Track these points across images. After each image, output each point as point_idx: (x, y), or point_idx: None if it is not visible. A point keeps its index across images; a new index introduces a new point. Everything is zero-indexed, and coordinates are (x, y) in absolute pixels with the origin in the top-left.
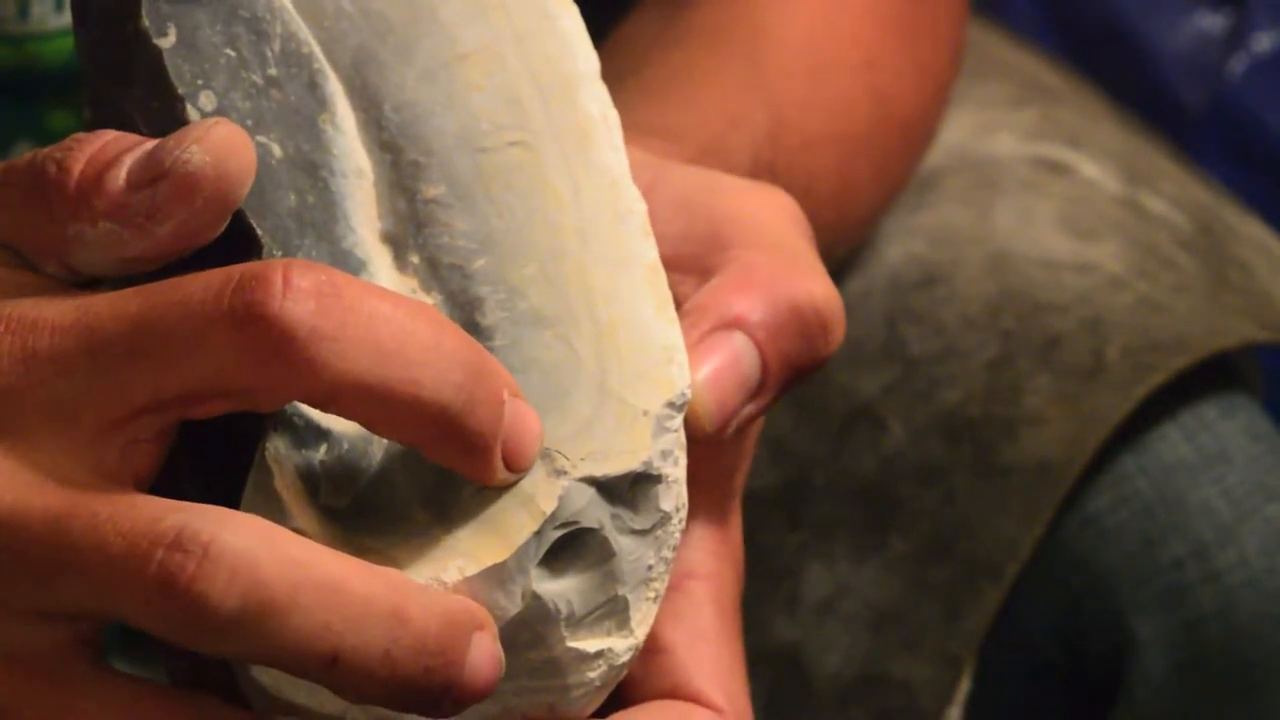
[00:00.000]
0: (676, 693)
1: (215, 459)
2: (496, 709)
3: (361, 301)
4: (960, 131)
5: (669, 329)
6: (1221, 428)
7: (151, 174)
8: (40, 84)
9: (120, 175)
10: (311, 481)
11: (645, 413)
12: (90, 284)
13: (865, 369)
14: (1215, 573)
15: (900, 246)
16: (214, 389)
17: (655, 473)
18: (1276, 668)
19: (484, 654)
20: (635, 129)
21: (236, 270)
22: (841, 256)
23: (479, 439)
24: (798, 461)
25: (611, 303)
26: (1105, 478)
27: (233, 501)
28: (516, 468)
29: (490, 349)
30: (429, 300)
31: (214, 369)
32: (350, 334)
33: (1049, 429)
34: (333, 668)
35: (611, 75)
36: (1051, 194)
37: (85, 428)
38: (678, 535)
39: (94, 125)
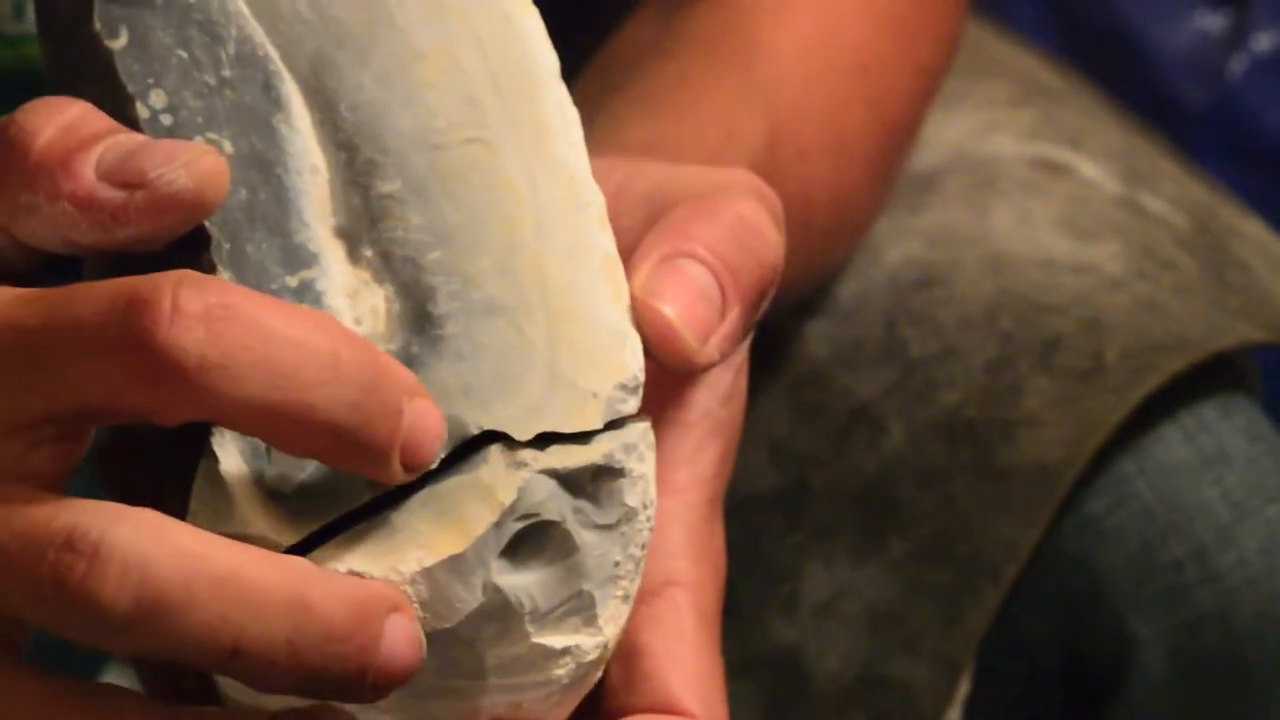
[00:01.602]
0: (654, 700)
1: (183, 453)
2: (465, 707)
3: (255, 322)
4: (959, 131)
5: (623, 317)
6: (1221, 429)
7: (128, 179)
8: (37, 84)
9: (91, 163)
10: (257, 466)
11: (595, 395)
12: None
13: (864, 370)
14: (1215, 574)
15: (899, 247)
16: (108, 407)
17: (617, 466)
18: (1276, 669)
19: (401, 636)
20: (632, 146)
21: (126, 290)
22: (838, 262)
23: (374, 449)
24: (797, 463)
25: (566, 292)
26: (1104, 479)
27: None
28: (415, 468)
29: (440, 337)
30: (380, 291)
31: (105, 391)
32: (242, 358)
33: (1048, 430)
34: (235, 659)
35: (606, 86)
36: (1050, 194)
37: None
38: (647, 533)
39: None
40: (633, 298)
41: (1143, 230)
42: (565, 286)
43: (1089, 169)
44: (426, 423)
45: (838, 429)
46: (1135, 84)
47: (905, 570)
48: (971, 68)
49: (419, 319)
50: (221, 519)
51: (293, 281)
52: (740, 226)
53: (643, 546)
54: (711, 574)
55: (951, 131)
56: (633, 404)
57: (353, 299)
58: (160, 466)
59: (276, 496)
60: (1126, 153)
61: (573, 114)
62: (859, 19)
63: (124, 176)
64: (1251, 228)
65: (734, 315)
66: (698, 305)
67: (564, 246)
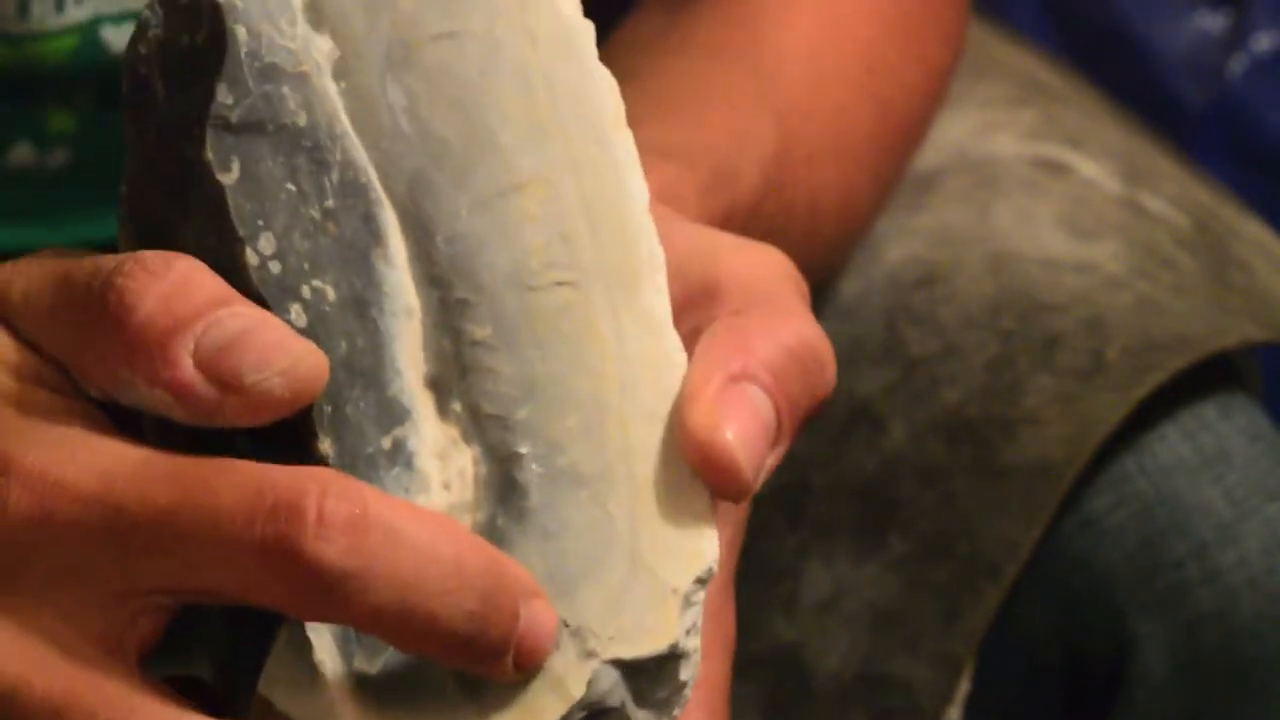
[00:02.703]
0: None
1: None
2: None
3: (390, 531)
4: (960, 131)
5: (702, 495)
6: (1221, 428)
7: (223, 379)
8: (40, 84)
9: (188, 349)
10: (346, 647)
11: (675, 590)
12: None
13: (865, 369)
14: (1215, 573)
15: (900, 246)
16: (236, 596)
17: (680, 652)
18: (1277, 668)
19: None
20: (648, 149)
21: (270, 489)
22: (839, 263)
23: (489, 654)
24: (797, 462)
25: (648, 460)
26: (1105, 478)
27: (257, 642)
28: (526, 670)
29: (525, 510)
30: (469, 452)
31: (237, 583)
32: (376, 570)
33: (1048, 429)
34: None
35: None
36: (1051, 194)
37: (95, 596)
38: (689, 693)
39: (132, 229)
40: (698, 421)
41: (1143, 230)
42: (647, 453)
43: (1089, 169)
44: (541, 625)
45: (838, 428)
46: (1135, 84)
47: (906, 569)
48: (972, 68)
49: (505, 487)
50: (303, 693)
51: (386, 443)
52: (805, 353)
53: (684, 705)
54: (722, 658)
55: (952, 131)
56: (703, 594)
57: (442, 460)
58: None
59: (362, 680)
60: (1127, 153)
61: (660, 255)
62: (865, 19)
63: (219, 375)
64: (1251, 228)
65: (781, 448)
66: (758, 438)
67: (646, 408)
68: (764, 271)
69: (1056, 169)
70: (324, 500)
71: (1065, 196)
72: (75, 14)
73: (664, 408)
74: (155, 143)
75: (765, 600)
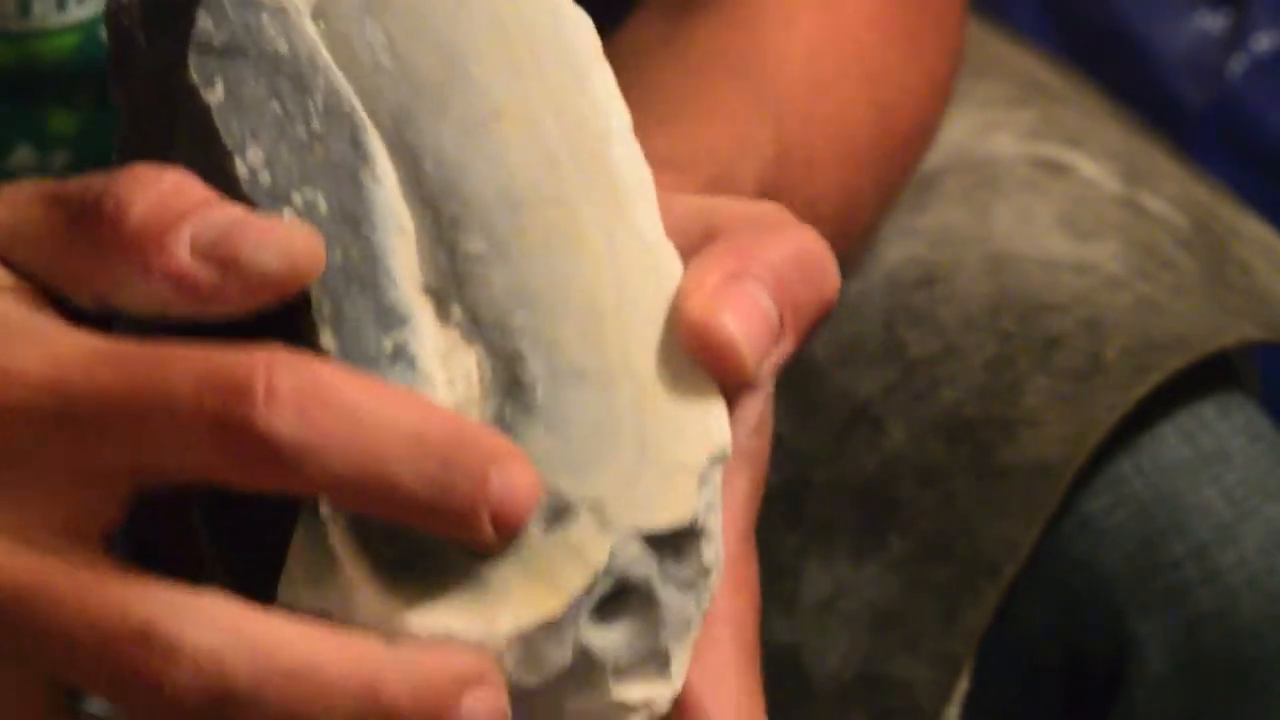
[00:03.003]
0: None
1: (235, 504)
2: None
3: (343, 402)
4: (960, 131)
5: (707, 384)
6: (1220, 428)
7: (221, 258)
8: (41, 83)
9: (185, 239)
10: (363, 532)
11: (687, 467)
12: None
13: (864, 369)
14: (1215, 573)
15: (899, 247)
16: (190, 474)
17: (700, 527)
18: (1276, 668)
19: (481, 710)
20: (648, 159)
21: (218, 368)
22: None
23: (459, 517)
24: (797, 461)
25: (650, 359)
26: (1104, 479)
27: (259, 542)
28: (506, 532)
29: (531, 404)
30: (471, 353)
31: (191, 461)
32: (330, 440)
33: (1048, 429)
34: None
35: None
36: (1051, 194)
37: (52, 483)
38: (716, 584)
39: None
40: (695, 308)
41: (1143, 230)
42: (647, 353)
43: (1089, 169)
44: (517, 487)
45: (838, 428)
46: (1135, 84)
47: (905, 569)
48: (971, 68)
49: (510, 385)
50: (324, 581)
51: (388, 344)
52: (805, 257)
53: (711, 598)
54: (749, 605)
55: (952, 131)
56: (719, 474)
57: (445, 361)
58: (193, 516)
59: (381, 562)
60: (1127, 153)
61: (648, 177)
62: (866, 24)
63: (218, 256)
64: (1252, 227)
65: (786, 345)
66: (759, 326)
67: (645, 311)
68: (762, 210)
69: (1056, 169)
70: (272, 374)
71: (1065, 196)
72: (77, 12)
73: (661, 311)
74: (141, 90)
75: (765, 599)
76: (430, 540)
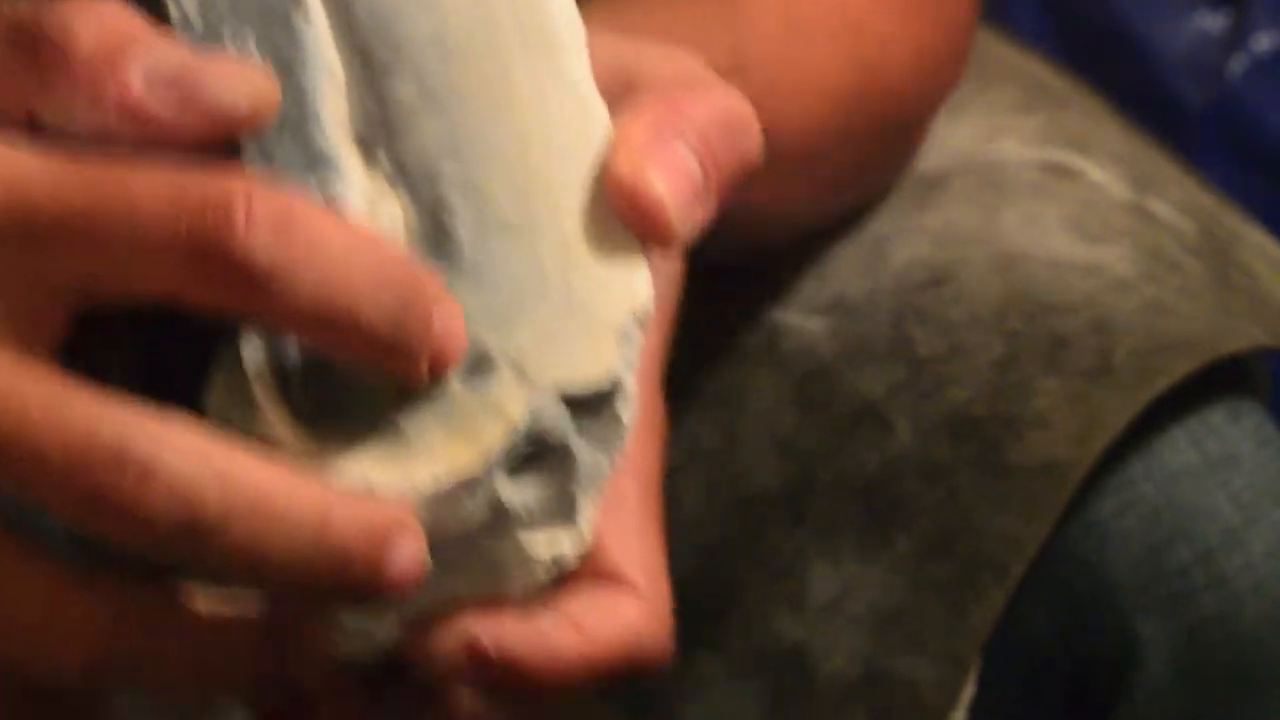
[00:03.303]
0: (596, 568)
1: (155, 337)
2: (447, 603)
3: (312, 231)
4: (966, 136)
5: (631, 242)
6: (1228, 432)
7: (182, 93)
8: None
9: (139, 70)
10: (283, 379)
11: (610, 325)
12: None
13: (871, 368)
14: (1221, 578)
15: (907, 247)
16: (153, 294)
17: (618, 386)
18: (1279, 674)
19: (407, 555)
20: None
21: (194, 189)
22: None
23: (408, 354)
24: (803, 460)
25: (576, 214)
26: (1111, 482)
27: (175, 382)
28: (439, 371)
29: (457, 255)
30: (395, 202)
31: (158, 283)
32: (303, 266)
33: (1055, 430)
34: (255, 573)
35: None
36: (1059, 197)
37: (9, 295)
38: (627, 438)
39: None
40: (623, 167)
41: (1151, 234)
42: (575, 208)
43: (1097, 173)
44: (452, 329)
45: (844, 426)
46: (1135, 84)
47: (910, 568)
48: (977, 74)
49: (436, 234)
50: (244, 418)
51: (316, 192)
52: (729, 116)
53: (623, 452)
54: (652, 442)
55: (958, 136)
56: (639, 332)
57: (372, 209)
58: (128, 341)
59: (296, 397)
60: (1133, 158)
61: (579, 25)
62: None
63: (178, 93)
64: (1255, 235)
65: (710, 205)
66: (685, 188)
67: (572, 163)
68: (684, 67)
69: (1064, 173)
70: (251, 199)
71: (1073, 200)
72: None
73: (588, 163)
74: None
75: (769, 598)
76: (349, 391)
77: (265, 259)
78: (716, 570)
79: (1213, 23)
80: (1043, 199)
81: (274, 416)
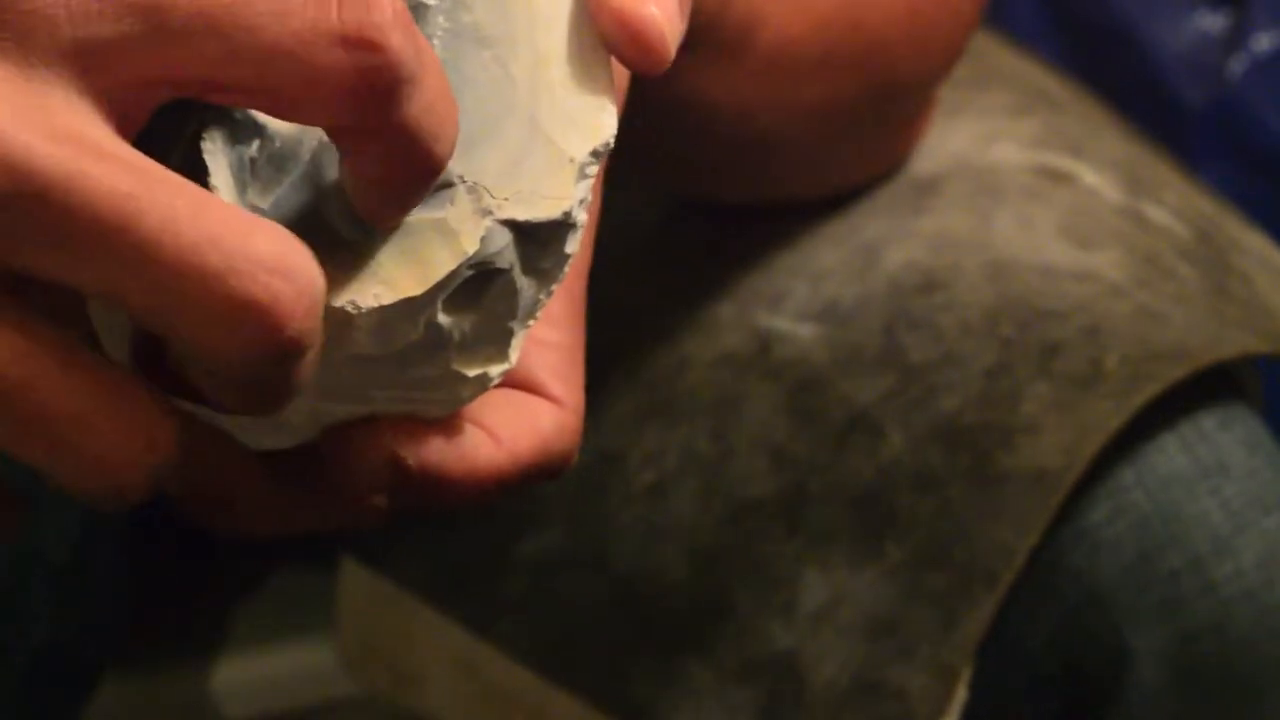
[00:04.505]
0: (517, 380)
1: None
2: (367, 411)
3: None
4: (962, 140)
5: (603, 74)
6: (1219, 439)
7: None
8: None
9: None
10: (240, 178)
11: (572, 160)
12: None
13: (863, 375)
14: (1212, 585)
15: (899, 251)
16: (274, 99)
17: (573, 221)
18: (1272, 680)
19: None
20: None
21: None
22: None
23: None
24: (795, 469)
25: (552, 32)
26: (1102, 489)
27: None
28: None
29: None
30: None
31: (295, 82)
32: (424, 79)
33: (1047, 437)
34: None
35: None
36: (1052, 202)
37: (112, 80)
38: (568, 270)
39: None
40: None
41: (1144, 239)
42: (551, 25)
43: (1091, 178)
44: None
45: (836, 434)
46: (1135, 84)
47: (902, 576)
48: (974, 77)
49: None
50: None
51: None
52: None
53: (561, 281)
54: (582, 253)
55: (953, 140)
56: (597, 168)
57: None
58: None
59: (254, 212)
60: (1128, 162)
61: None
62: None
63: None
64: (1254, 240)
65: (686, 14)
66: (674, 10)
67: None
68: None
69: (1058, 177)
70: None
71: (1066, 205)
72: None
73: None
74: None
75: (762, 606)
76: (307, 204)
77: (410, 63)
78: (708, 578)
79: (1213, 23)
80: (1036, 204)
81: None
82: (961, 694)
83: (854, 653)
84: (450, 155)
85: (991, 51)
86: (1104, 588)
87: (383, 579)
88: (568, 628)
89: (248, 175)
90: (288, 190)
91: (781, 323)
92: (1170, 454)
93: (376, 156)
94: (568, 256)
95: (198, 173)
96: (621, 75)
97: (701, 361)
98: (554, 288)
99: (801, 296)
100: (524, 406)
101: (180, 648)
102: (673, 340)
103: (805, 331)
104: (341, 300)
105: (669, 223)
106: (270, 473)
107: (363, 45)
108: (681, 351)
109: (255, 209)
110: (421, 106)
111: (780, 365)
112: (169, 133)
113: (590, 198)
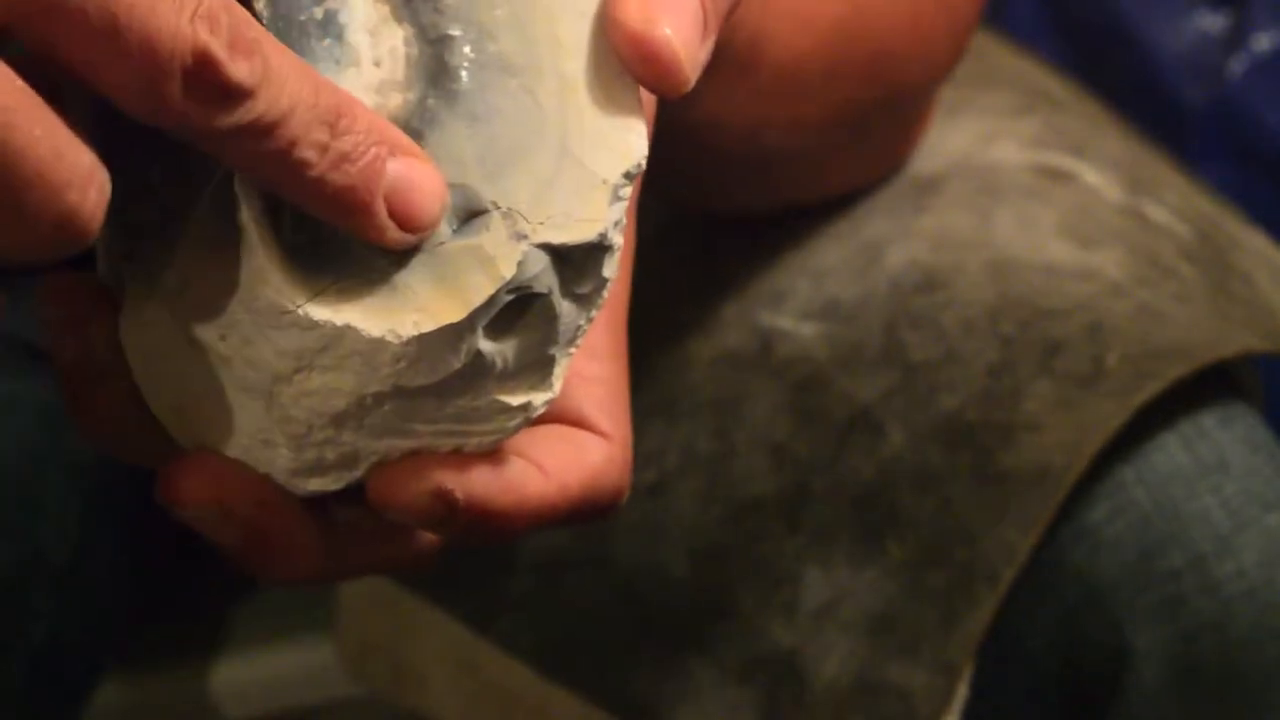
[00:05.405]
0: (562, 414)
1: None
2: (414, 445)
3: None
4: (963, 139)
5: (631, 95)
6: (1220, 437)
7: None
8: None
9: None
10: (277, 215)
11: (604, 181)
12: None
13: (865, 374)
14: (1212, 583)
15: (901, 250)
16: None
17: (608, 243)
18: (1273, 679)
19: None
20: None
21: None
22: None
23: (353, 201)
24: (797, 467)
25: (577, 58)
26: (1103, 487)
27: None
28: (410, 227)
29: (456, 93)
30: (400, 32)
31: (132, 65)
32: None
33: (1048, 435)
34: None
35: None
36: (1053, 201)
37: None
38: (607, 293)
39: None
40: (632, 16)
41: (1145, 238)
42: (576, 50)
43: (1092, 177)
44: (421, 181)
45: (838, 432)
46: (1135, 84)
47: (903, 574)
48: (975, 77)
49: (436, 69)
50: (235, 254)
51: (319, 12)
52: None
53: (600, 308)
54: (622, 280)
55: (954, 139)
56: (629, 189)
57: (373, 36)
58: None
59: (293, 249)
60: (1129, 162)
61: None
62: None
63: None
64: (1254, 240)
65: (710, 43)
66: (692, 31)
67: (576, 6)
68: None
69: (1059, 177)
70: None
71: (1067, 204)
72: None
73: (593, 15)
74: None
75: (764, 604)
76: (343, 238)
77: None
78: (711, 576)
79: (1213, 23)
80: (1037, 203)
81: (265, 254)
82: (962, 692)
83: (855, 651)
84: (329, 166)
85: (991, 51)
86: (1105, 586)
87: (383, 578)
88: (569, 626)
89: (285, 212)
90: (323, 228)
91: (783, 321)
92: (1171, 452)
93: (242, 163)
94: (606, 280)
95: (230, 209)
96: (649, 97)
97: (703, 360)
98: (594, 314)
99: (803, 295)
100: (571, 440)
101: (180, 648)
102: (674, 339)
103: (807, 330)
104: (381, 330)
105: (670, 222)
106: (317, 516)
107: (198, 55)
108: (683, 350)
109: (292, 245)
110: (255, 116)
111: (781, 364)
112: (202, 170)
113: (625, 220)
